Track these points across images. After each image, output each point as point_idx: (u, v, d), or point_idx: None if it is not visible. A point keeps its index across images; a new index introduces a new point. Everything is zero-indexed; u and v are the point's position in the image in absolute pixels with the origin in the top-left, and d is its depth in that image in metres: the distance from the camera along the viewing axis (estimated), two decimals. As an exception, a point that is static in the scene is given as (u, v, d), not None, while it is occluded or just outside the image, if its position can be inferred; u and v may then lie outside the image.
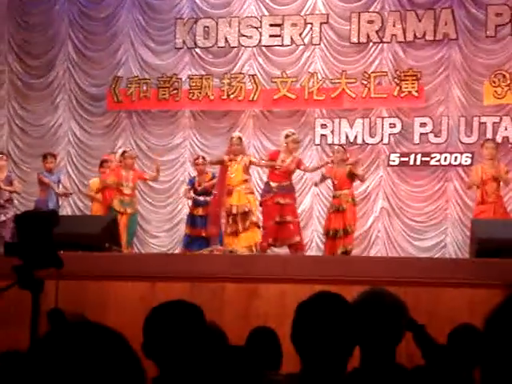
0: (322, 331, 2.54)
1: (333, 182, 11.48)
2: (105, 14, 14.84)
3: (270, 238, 10.91)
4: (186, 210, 13.49)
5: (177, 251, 13.31)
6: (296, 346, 2.57)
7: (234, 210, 10.98)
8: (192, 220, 12.23)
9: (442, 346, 4.25)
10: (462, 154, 13.37)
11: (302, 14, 14.14)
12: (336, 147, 12.08)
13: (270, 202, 10.96)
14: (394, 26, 13.74)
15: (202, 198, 12.08)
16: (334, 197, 11.45)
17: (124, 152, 12.07)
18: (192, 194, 12.28)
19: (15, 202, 13.08)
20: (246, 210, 10.97)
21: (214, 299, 7.92)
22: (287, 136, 11.24)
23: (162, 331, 2.79)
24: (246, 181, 11.20)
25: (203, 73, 14.44)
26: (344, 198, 11.20)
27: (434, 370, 3.51)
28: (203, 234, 11.78)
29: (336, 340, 2.54)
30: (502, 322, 1.06)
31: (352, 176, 11.36)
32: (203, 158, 12.49)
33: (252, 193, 11.37)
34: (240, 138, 11.50)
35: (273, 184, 11.05)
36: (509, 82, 13.22)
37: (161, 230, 14.47)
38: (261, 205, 11.22)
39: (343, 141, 13.80)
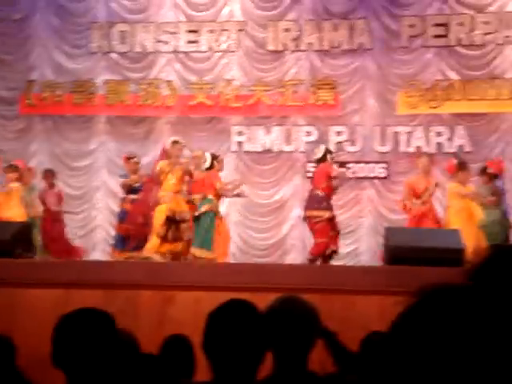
0: (232, 339, 2.52)
1: None
2: (18, 17, 14.56)
3: None
4: (102, 216, 13.34)
5: (93, 257, 13.13)
6: (207, 354, 2.55)
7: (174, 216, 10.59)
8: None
9: (353, 354, 4.27)
10: (377, 163, 13.54)
11: (220, 20, 14.15)
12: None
13: None
14: (310, 34, 13.84)
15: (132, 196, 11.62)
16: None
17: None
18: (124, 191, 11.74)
19: None
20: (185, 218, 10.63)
21: (129, 306, 7.84)
22: (174, 143, 10.79)
23: (71, 340, 2.72)
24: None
25: (119, 78, 14.31)
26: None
27: (346, 378, 3.51)
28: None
29: (246, 348, 2.52)
30: (405, 330, 1.07)
31: None
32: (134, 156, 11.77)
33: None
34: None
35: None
36: (422, 92, 13.45)
37: (74, 236, 14.25)
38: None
39: (259, 149, 13.84)
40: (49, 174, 12.47)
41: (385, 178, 13.44)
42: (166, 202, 10.63)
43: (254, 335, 2.53)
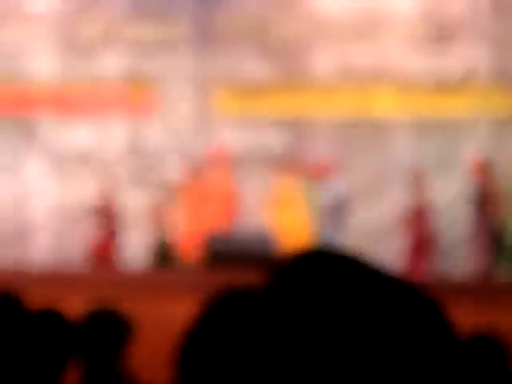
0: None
1: None
2: None
3: None
4: None
5: None
6: None
7: None
8: None
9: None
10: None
11: (26, 12, 13.52)
12: None
13: None
14: (125, 29, 13.57)
15: None
16: None
17: None
18: None
19: None
20: None
21: None
22: None
23: None
24: None
25: None
26: None
27: None
28: None
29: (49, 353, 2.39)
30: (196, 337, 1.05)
31: None
32: None
33: None
34: None
35: None
36: (240, 92, 13.46)
37: None
38: None
39: (71, 148, 13.42)
40: None
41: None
42: None
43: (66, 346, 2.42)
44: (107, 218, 12.35)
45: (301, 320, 1.00)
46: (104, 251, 12.02)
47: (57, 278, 8.28)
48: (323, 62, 13.47)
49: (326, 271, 1.03)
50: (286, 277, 1.04)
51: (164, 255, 11.88)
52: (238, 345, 1.01)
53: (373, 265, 1.03)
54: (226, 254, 8.49)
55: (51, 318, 2.58)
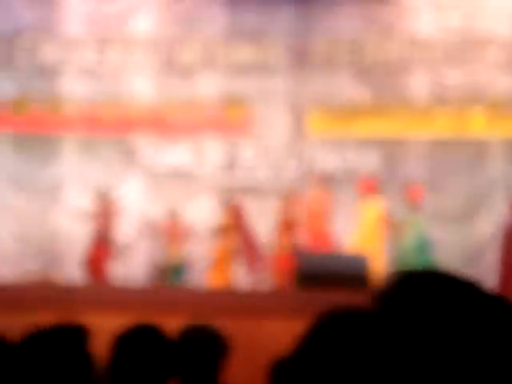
0: (140, 365, 2.41)
1: None
2: None
3: None
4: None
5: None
6: (112, 380, 2.42)
7: None
8: None
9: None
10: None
11: (128, 35, 13.89)
12: None
13: None
14: (222, 52, 13.76)
15: None
16: None
17: None
18: None
19: None
20: None
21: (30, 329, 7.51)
22: None
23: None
24: None
25: (22, 93, 13.89)
26: None
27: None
28: None
29: (151, 375, 2.38)
30: (307, 354, 1.08)
31: None
32: None
33: None
34: None
35: None
36: (334, 113, 13.49)
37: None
38: None
39: (168, 169, 13.67)
40: None
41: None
42: None
43: (161, 363, 2.41)
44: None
45: (416, 341, 1.00)
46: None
47: (155, 295, 8.44)
48: (418, 83, 13.43)
49: (432, 293, 1.03)
50: (395, 299, 1.05)
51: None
52: (350, 364, 1.03)
53: (474, 285, 1.04)
54: (317, 274, 8.49)
55: (152, 335, 2.54)
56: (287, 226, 12.03)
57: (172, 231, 12.68)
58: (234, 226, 12.17)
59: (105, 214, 12.39)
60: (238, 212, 12.31)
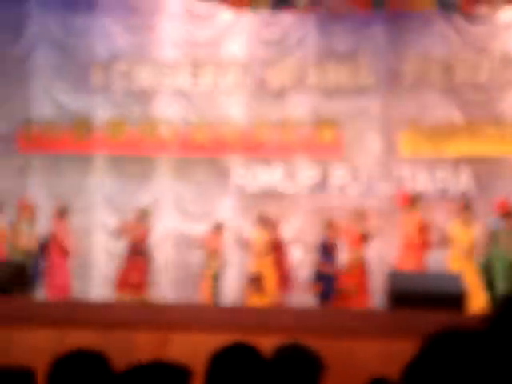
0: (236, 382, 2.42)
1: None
2: (19, 54, 14.53)
3: None
4: (99, 255, 13.23)
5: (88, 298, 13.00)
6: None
7: None
8: None
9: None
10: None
11: (220, 59, 14.13)
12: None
13: None
14: (313, 74, 13.82)
15: None
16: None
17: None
18: None
19: None
20: None
21: (125, 348, 7.70)
22: None
23: (66, 382, 2.63)
24: None
25: (118, 116, 14.25)
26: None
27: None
28: None
29: None
30: (421, 372, 1.06)
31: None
32: None
33: None
34: None
35: None
36: (426, 133, 13.40)
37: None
38: None
39: (261, 189, 13.78)
40: (61, 210, 12.65)
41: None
42: None
43: (258, 381, 2.44)
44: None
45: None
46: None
47: (246, 316, 8.52)
48: (510, 103, 13.28)
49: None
50: (506, 320, 1.05)
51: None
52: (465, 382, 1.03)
53: None
54: (410, 294, 8.44)
55: (248, 354, 2.54)
56: (361, 239, 12.07)
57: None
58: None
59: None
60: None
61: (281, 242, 12.70)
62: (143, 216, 12.70)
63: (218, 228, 12.77)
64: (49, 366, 2.73)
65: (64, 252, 12.45)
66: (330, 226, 12.31)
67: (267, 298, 11.94)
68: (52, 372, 2.69)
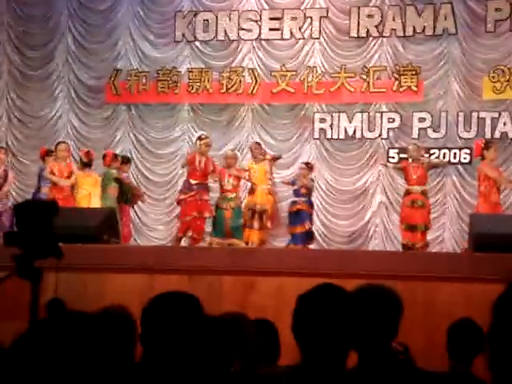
0: (324, 322, 2.50)
1: (409, 178, 11.57)
2: (104, 7, 14.81)
3: (184, 231, 11.55)
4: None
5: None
6: (296, 336, 2.53)
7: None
8: None
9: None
10: (460, 149, 13.37)
11: (302, 7, 14.12)
12: (411, 146, 12.04)
13: (190, 198, 11.47)
14: (393, 20, 13.72)
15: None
16: (409, 192, 11.53)
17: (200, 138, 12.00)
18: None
19: (13, 193, 13.16)
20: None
21: (212, 292, 7.92)
22: (200, 139, 11.84)
23: (160, 322, 2.76)
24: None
25: (202, 66, 14.43)
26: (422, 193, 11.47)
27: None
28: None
29: (337, 331, 2.50)
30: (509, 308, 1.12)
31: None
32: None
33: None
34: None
35: (193, 182, 11.55)
36: (508, 77, 13.21)
37: (159, 222, 14.46)
38: (179, 202, 11.84)
39: (342, 135, 13.82)
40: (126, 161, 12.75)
41: (469, 163, 13.25)
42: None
43: (346, 319, 2.52)
44: None
45: None
46: None
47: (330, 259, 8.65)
48: None
49: None
50: None
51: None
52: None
53: None
54: (491, 237, 8.42)
55: (334, 292, 2.61)
56: None
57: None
58: None
59: None
60: None
61: None
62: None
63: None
64: (144, 305, 2.85)
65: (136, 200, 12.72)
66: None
67: None
68: (146, 313, 2.81)
